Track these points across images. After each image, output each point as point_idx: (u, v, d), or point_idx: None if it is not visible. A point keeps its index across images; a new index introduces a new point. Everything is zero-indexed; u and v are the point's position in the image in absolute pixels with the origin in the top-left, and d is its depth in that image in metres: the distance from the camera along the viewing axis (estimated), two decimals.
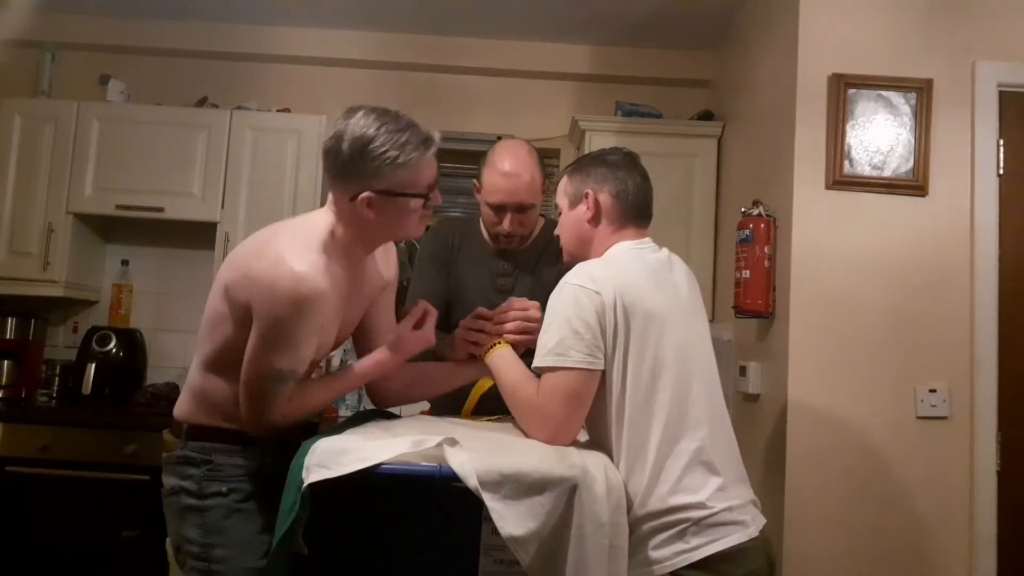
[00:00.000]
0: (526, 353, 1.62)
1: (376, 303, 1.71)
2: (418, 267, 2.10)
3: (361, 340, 1.74)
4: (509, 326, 1.67)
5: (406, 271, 2.29)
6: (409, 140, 1.45)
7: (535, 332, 1.57)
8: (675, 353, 1.47)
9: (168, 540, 1.59)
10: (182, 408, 1.60)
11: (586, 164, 1.68)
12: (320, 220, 1.53)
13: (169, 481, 1.57)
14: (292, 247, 1.45)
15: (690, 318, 1.57)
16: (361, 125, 1.44)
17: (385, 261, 1.71)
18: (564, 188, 1.68)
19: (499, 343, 1.65)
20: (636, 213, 1.63)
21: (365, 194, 1.46)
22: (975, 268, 2.40)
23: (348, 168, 1.45)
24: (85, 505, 2.96)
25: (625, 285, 1.47)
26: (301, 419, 1.57)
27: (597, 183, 1.63)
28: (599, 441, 1.50)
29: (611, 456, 1.45)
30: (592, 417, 1.49)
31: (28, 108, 3.46)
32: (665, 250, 1.65)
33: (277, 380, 1.46)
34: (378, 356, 1.62)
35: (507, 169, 1.91)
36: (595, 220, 1.62)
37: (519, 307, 1.70)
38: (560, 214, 1.69)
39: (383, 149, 1.43)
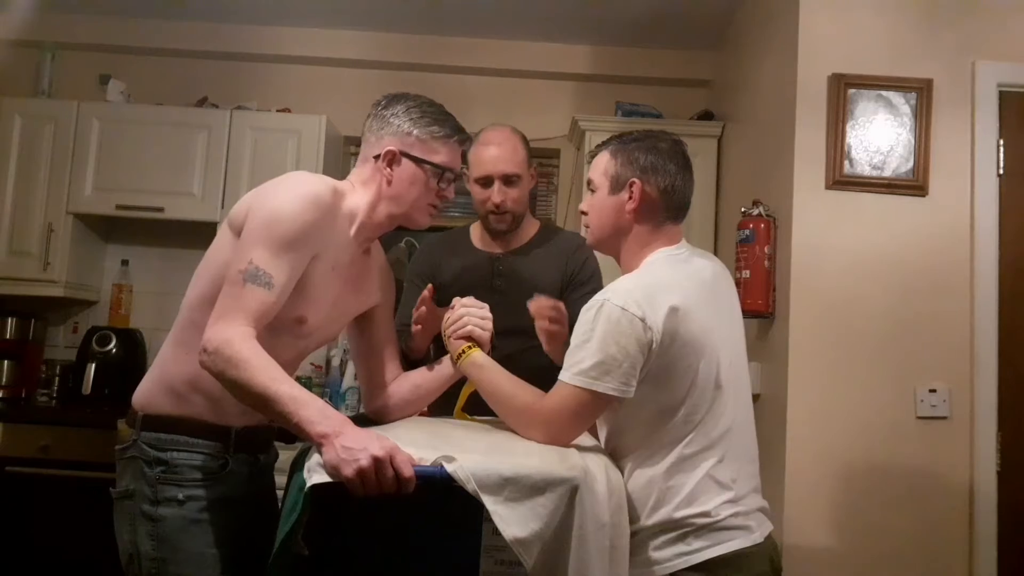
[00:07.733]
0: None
1: (375, 320, 1.66)
2: (406, 285, 2.10)
3: (366, 358, 1.68)
4: (465, 319, 1.62)
5: (405, 268, 2.29)
6: (448, 121, 1.53)
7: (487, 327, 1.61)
8: (711, 374, 1.42)
9: (119, 550, 1.43)
10: (142, 393, 1.50)
11: (634, 147, 1.52)
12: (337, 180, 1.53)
13: (122, 481, 1.44)
14: (306, 174, 1.47)
15: (729, 328, 1.51)
16: (409, 94, 1.54)
17: (382, 281, 1.68)
18: (605, 166, 1.54)
19: (466, 348, 1.58)
20: (678, 210, 1.54)
21: (390, 148, 1.48)
22: (975, 268, 2.40)
23: (383, 120, 1.50)
24: (85, 505, 2.93)
25: (668, 308, 1.37)
26: (251, 395, 1.26)
27: (644, 172, 1.50)
28: (615, 448, 1.47)
29: (621, 462, 1.44)
30: (613, 427, 1.48)
31: (28, 108, 3.46)
32: (701, 253, 1.59)
33: (250, 278, 1.30)
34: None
35: (489, 141, 1.99)
36: (636, 213, 1.51)
37: (467, 303, 1.66)
38: (593, 191, 1.57)
39: (421, 112, 1.51)
